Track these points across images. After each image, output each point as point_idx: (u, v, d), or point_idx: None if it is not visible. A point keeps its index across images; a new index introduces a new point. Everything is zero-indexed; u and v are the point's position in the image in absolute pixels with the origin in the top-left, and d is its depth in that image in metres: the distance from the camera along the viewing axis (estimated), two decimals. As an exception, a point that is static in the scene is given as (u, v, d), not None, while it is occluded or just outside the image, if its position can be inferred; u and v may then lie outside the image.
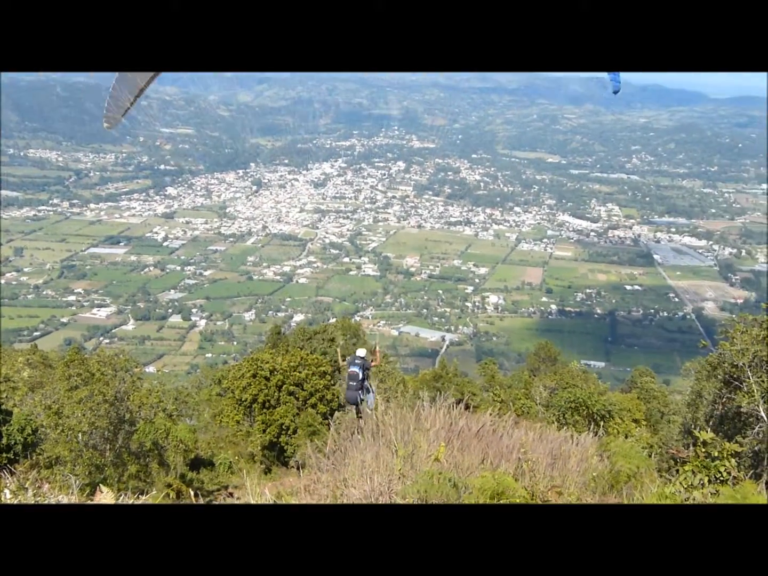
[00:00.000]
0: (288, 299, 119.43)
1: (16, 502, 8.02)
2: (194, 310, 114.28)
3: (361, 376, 13.21)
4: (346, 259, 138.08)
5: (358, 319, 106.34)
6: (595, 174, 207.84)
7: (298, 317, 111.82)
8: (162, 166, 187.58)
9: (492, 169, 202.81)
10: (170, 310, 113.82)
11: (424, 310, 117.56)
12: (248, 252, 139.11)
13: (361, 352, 13.67)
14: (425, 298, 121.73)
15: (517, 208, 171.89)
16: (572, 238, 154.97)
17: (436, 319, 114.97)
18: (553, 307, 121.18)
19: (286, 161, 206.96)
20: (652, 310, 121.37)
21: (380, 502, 8.71)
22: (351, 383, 13.27)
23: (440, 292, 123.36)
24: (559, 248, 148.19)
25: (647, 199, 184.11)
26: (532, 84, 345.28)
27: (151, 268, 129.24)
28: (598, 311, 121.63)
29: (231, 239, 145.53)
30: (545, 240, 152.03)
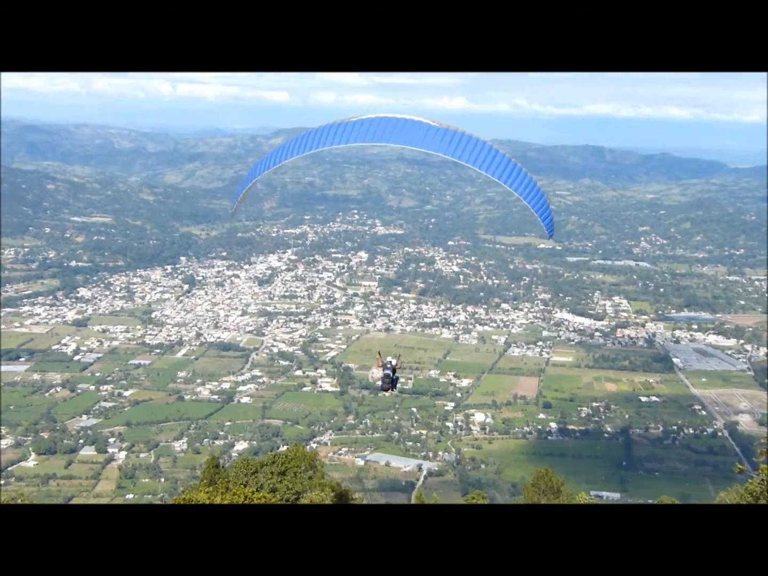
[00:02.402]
0: (228, 423, 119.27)
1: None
2: (111, 440, 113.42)
3: (392, 375, 26.58)
4: (299, 372, 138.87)
5: (314, 446, 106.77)
6: (596, 261, 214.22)
7: (241, 446, 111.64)
8: (73, 263, 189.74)
9: (473, 258, 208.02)
10: (81, 441, 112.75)
11: (395, 434, 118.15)
12: (179, 366, 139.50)
13: (391, 359, 27.32)
14: (396, 418, 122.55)
15: (504, 305, 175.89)
16: (573, 340, 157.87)
17: (411, 444, 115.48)
18: (553, 425, 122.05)
19: (224, 254, 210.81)
20: (675, 427, 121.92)
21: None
22: (385, 380, 26.50)
23: (414, 410, 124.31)
24: (557, 353, 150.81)
25: (661, 290, 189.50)
26: (516, 155, 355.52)
27: (59, 389, 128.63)
28: (609, 429, 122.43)
29: (157, 351, 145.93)
30: (540, 343, 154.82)
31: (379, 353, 29.53)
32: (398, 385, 27.83)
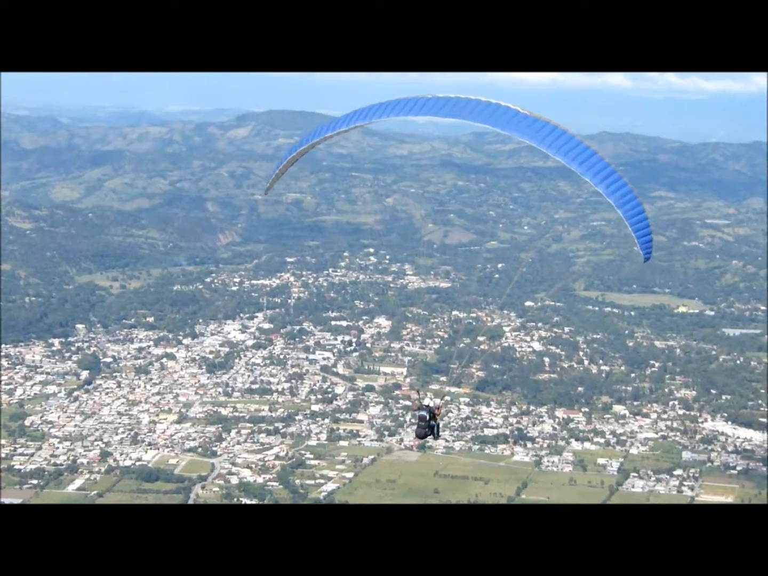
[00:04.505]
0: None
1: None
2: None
3: (428, 417, 32.46)
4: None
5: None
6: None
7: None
8: None
9: (565, 329, 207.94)
10: None
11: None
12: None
13: (428, 401, 33.50)
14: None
15: (619, 408, 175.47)
16: (734, 467, 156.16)
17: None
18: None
19: (151, 320, 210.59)
20: None
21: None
22: (421, 423, 32.69)
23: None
24: (707, 488, 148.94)
25: None
26: (638, 155, 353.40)
27: None
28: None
29: (34, 482, 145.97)
30: (679, 472, 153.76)
31: (418, 392, 37.30)
32: (437, 429, 33.15)
